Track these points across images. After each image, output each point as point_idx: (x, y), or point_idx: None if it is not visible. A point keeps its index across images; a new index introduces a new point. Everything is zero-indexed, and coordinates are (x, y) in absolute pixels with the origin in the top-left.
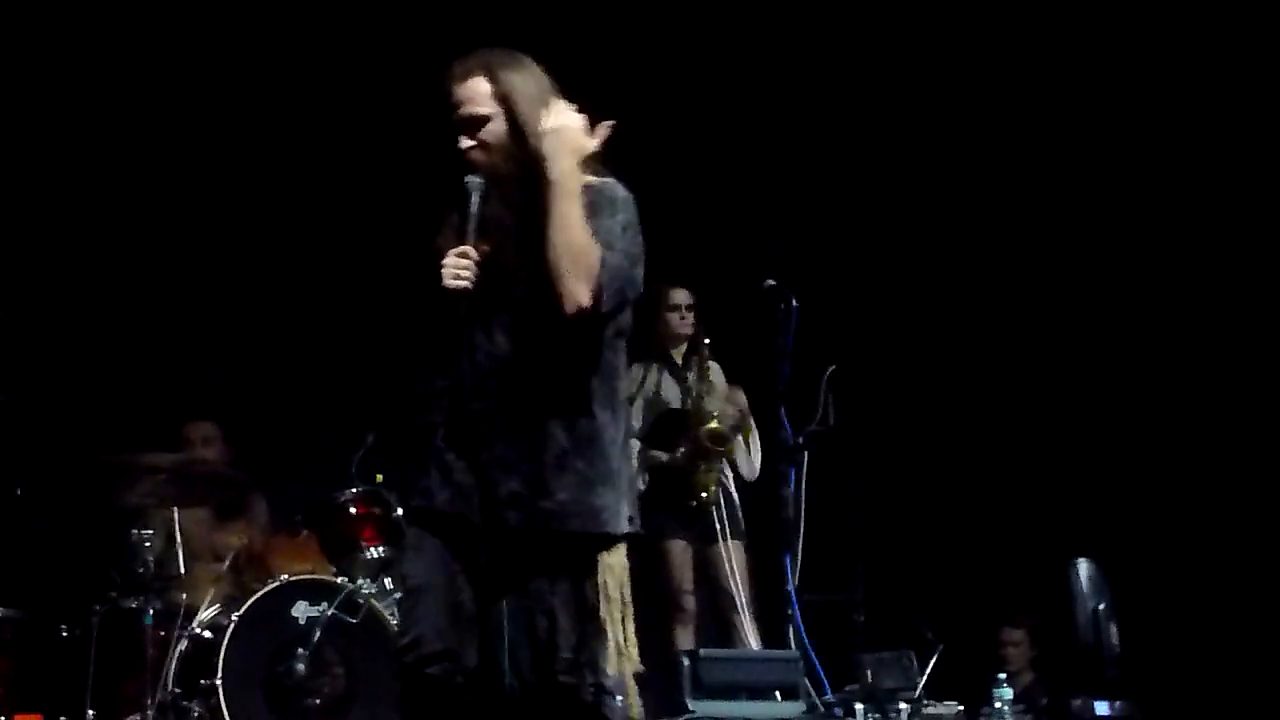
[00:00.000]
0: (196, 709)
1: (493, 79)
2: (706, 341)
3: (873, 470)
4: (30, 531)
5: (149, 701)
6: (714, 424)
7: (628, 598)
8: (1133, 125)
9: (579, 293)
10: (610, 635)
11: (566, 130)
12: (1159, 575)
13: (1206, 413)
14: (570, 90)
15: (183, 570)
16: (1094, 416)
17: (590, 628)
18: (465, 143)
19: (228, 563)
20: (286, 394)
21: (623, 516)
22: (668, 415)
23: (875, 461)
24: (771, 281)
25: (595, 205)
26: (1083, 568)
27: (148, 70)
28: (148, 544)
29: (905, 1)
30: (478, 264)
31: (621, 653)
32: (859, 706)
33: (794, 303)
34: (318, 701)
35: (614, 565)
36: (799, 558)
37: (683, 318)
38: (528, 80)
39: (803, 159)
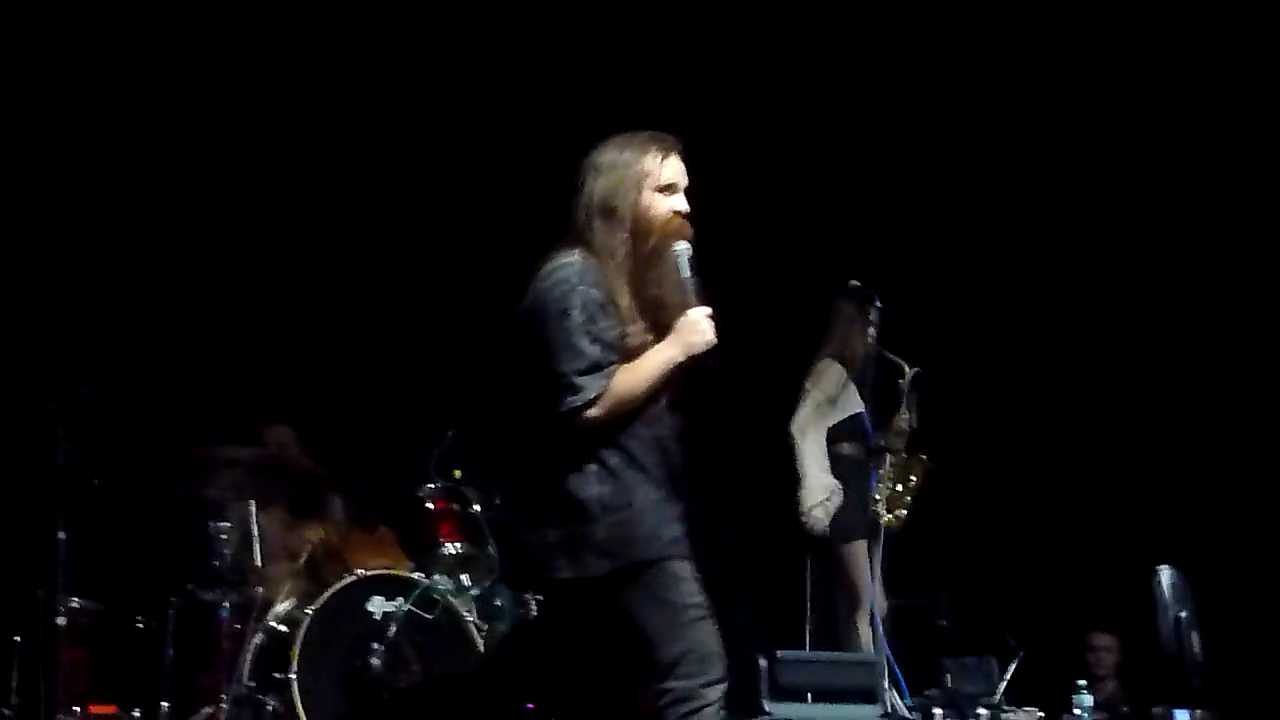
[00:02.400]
0: (271, 703)
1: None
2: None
3: (957, 474)
4: (108, 523)
5: (224, 694)
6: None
7: None
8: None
9: None
10: None
11: None
12: (1242, 583)
13: None
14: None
15: (259, 564)
16: (1179, 422)
17: None
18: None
19: (304, 557)
20: (365, 390)
21: None
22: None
23: (960, 465)
24: (856, 282)
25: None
26: (1165, 575)
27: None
28: (225, 537)
29: (984, 9)
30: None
31: None
32: (937, 711)
33: (879, 304)
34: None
35: None
36: (881, 561)
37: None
38: None
39: (892, 159)
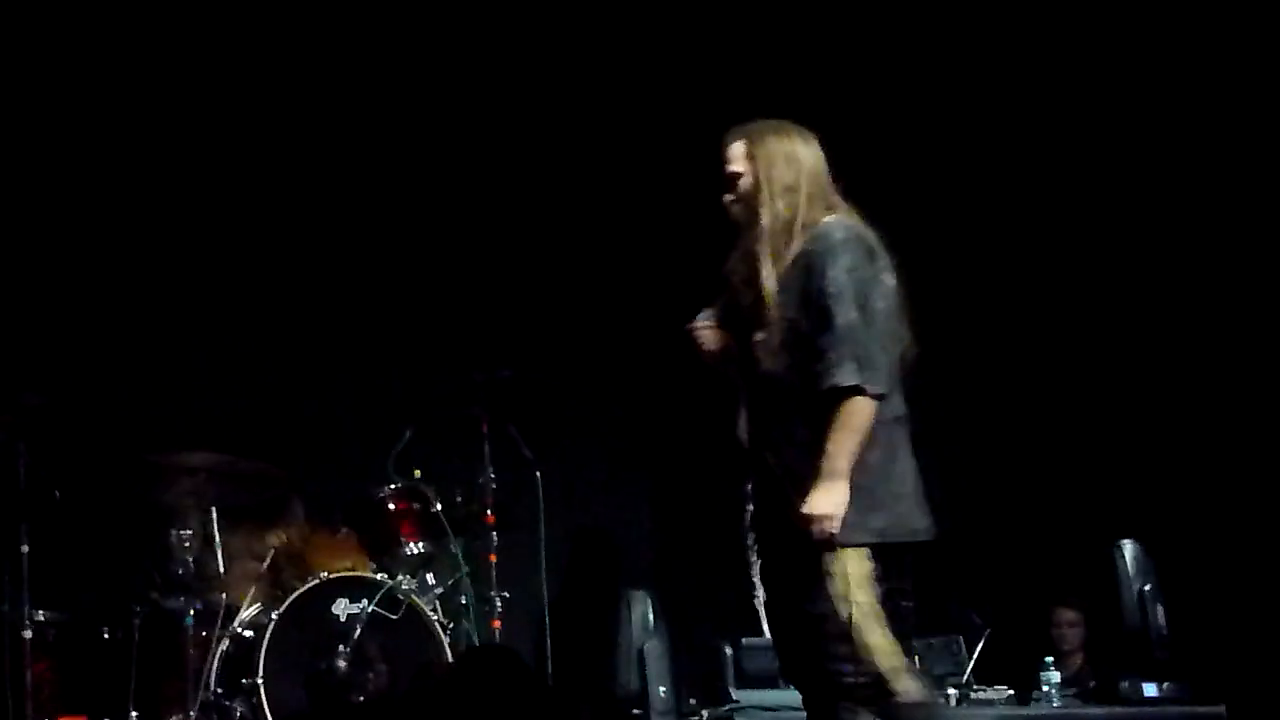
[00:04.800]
0: (239, 708)
1: (749, 140)
2: None
3: (916, 454)
4: (70, 533)
5: (192, 701)
6: None
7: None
8: None
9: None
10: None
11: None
12: (1205, 555)
13: (1254, 393)
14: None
15: (222, 570)
16: (1139, 396)
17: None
18: (726, 197)
19: (267, 562)
20: (322, 391)
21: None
22: None
23: (917, 444)
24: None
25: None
26: (1128, 549)
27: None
28: (187, 544)
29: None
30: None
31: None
32: None
33: None
34: (360, 698)
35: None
36: None
37: None
38: (777, 143)
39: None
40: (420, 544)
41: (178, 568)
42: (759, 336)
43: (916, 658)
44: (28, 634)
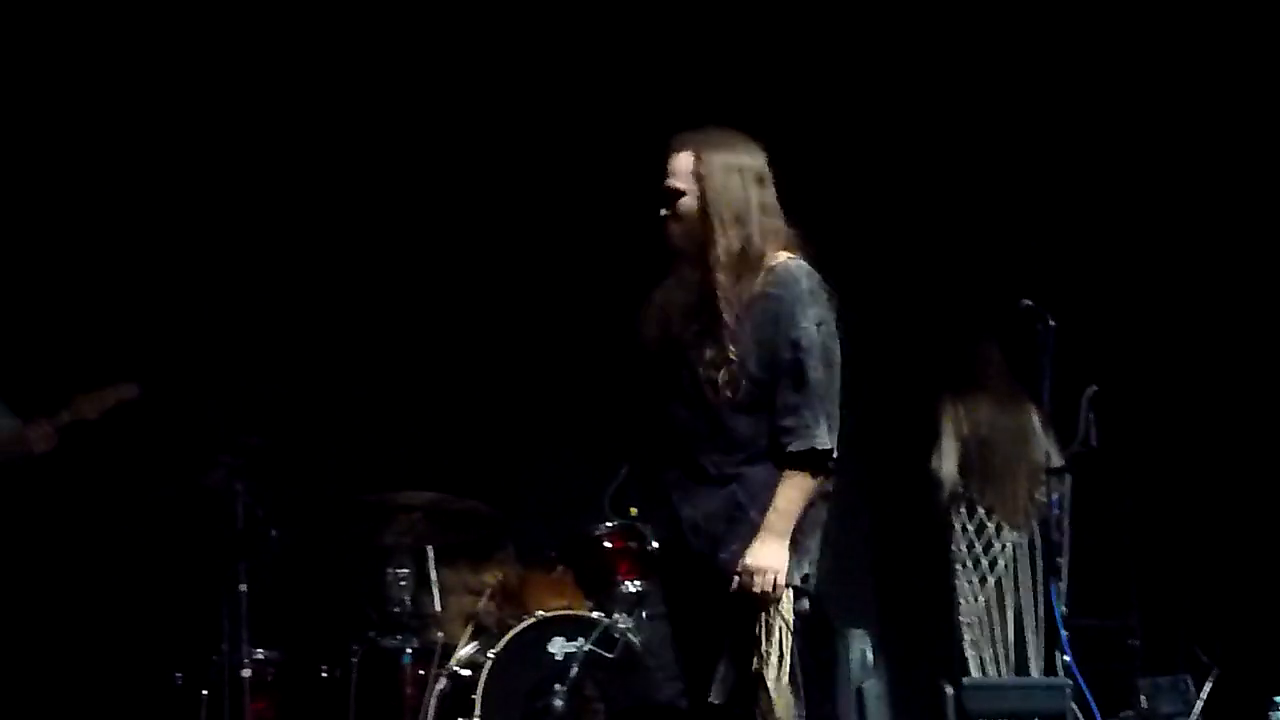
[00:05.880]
0: None
1: (697, 155)
2: None
3: (1143, 491)
4: (288, 573)
5: None
6: None
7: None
8: None
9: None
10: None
11: None
12: None
13: None
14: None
15: (438, 608)
16: None
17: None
18: (663, 212)
19: (483, 600)
20: (538, 430)
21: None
22: None
23: (1145, 482)
24: (1028, 301)
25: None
26: None
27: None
28: (403, 583)
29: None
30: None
31: None
32: None
33: (1051, 322)
34: None
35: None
36: (1066, 582)
37: None
38: (728, 159)
39: (1061, 171)
40: (637, 582)
41: (394, 606)
42: (713, 375)
43: (1143, 698)
44: (246, 673)
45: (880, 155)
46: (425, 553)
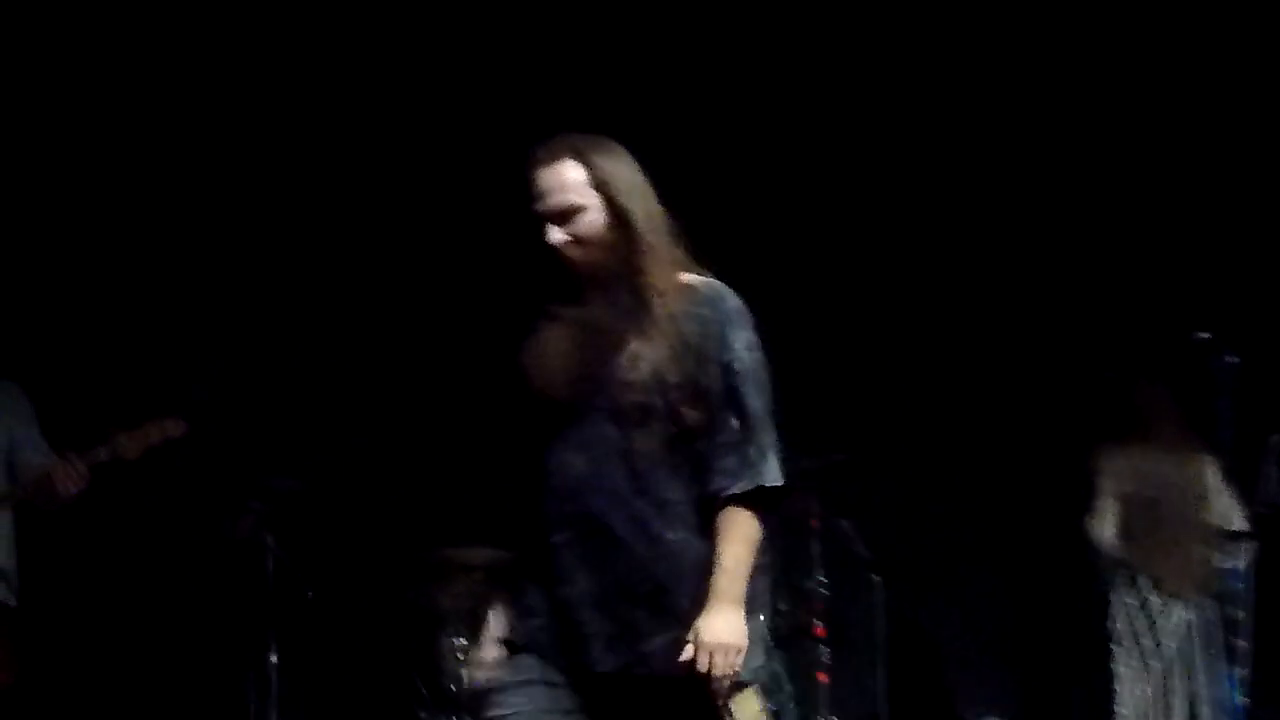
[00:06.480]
0: None
1: (587, 165)
2: None
3: None
4: (325, 641)
5: None
6: None
7: None
8: None
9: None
10: None
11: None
12: None
13: None
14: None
15: None
16: None
17: None
18: (557, 236)
19: None
20: None
21: None
22: None
23: None
24: (1204, 334)
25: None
26: None
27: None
28: (460, 654)
29: None
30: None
31: None
32: None
33: (1231, 358)
34: None
35: None
36: (1249, 668)
37: None
38: (622, 167)
39: (1243, 183)
40: None
41: (450, 681)
42: (637, 399)
43: None
44: None
45: (1031, 170)
46: (486, 619)
